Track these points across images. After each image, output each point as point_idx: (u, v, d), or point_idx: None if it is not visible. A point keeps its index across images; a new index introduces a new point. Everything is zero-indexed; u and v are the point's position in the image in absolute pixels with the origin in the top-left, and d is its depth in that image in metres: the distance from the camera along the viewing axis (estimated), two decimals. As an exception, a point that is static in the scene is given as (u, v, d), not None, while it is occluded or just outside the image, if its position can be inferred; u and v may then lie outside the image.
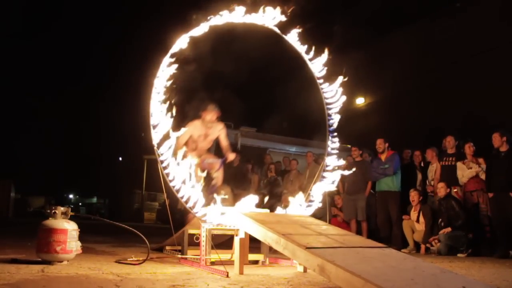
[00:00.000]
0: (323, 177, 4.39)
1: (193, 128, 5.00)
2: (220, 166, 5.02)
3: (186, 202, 3.53)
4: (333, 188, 4.39)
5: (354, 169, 6.45)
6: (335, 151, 4.39)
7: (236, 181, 7.71)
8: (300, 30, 4.39)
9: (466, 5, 11.83)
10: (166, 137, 3.54)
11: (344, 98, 4.36)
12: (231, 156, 5.08)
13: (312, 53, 4.45)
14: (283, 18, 4.17)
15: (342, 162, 4.42)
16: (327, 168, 4.36)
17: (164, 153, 3.50)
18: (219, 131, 5.19)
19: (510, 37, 10.22)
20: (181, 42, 3.80)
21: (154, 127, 3.57)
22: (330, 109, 4.44)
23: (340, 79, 4.36)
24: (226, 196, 4.46)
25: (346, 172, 4.86)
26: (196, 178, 4.58)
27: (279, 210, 4.22)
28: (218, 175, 5.01)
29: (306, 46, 4.45)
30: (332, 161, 4.35)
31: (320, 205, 4.28)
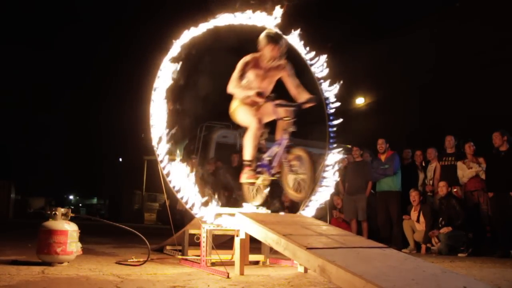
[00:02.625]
0: (323, 177, 4.39)
1: (249, 65, 3.84)
2: (295, 115, 3.76)
3: (186, 202, 3.53)
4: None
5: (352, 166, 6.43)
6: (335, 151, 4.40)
7: (236, 181, 7.68)
8: (300, 32, 4.39)
9: (467, 5, 11.82)
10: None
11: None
12: (309, 99, 3.76)
13: (312, 53, 4.46)
14: (281, 16, 4.15)
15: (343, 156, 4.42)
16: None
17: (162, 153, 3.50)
18: (282, 70, 3.93)
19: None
20: (181, 43, 3.81)
21: (154, 127, 3.57)
22: (330, 109, 4.44)
23: (340, 80, 4.36)
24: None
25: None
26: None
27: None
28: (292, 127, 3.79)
29: (306, 47, 4.46)
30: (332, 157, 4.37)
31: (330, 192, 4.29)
